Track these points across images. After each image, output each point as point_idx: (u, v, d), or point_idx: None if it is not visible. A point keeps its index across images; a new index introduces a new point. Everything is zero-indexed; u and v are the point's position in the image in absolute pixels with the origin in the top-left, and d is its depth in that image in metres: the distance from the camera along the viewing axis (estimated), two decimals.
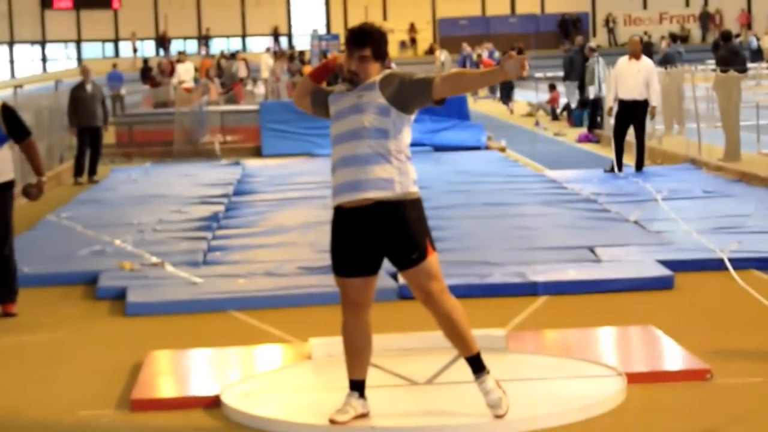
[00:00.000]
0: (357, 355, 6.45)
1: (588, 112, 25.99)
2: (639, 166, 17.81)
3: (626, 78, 17.66)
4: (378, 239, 6.29)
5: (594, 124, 25.01)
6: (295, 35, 57.96)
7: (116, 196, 17.49)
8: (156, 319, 9.46)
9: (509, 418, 6.30)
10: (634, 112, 17.59)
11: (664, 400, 6.74)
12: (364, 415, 6.41)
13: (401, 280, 9.73)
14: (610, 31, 57.08)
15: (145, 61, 44.52)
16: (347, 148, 6.32)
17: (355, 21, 56.69)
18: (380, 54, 6.40)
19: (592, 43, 27.78)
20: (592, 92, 25.61)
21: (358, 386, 6.45)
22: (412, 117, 6.40)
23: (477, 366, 6.41)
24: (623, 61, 17.97)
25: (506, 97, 36.24)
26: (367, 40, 6.36)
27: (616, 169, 17.62)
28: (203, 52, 50.89)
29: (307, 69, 41.31)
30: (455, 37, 53.43)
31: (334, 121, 6.43)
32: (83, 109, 20.47)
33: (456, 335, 6.40)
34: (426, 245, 6.29)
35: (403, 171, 6.30)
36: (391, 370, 7.21)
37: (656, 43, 50.63)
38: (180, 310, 9.63)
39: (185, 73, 36.17)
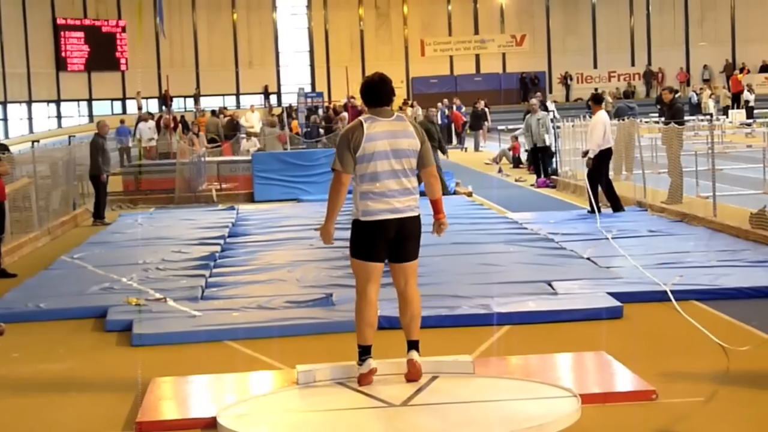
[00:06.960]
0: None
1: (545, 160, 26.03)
2: (617, 207, 17.71)
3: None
4: None
5: (539, 172, 25.08)
6: (283, 93, 57.96)
7: (123, 238, 17.41)
8: (159, 348, 9.41)
9: None
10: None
11: (615, 419, 6.73)
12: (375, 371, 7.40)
13: (380, 311, 9.73)
14: (567, 88, 57.37)
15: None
16: None
17: (336, 80, 56.24)
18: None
19: (535, 100, 27.63)
20: (527, 143, 25.92)
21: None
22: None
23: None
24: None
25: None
26: None
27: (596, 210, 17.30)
28: (197, 109, 50.79)
29: (294, 123, 41.24)
30: (427, 94, 53.68)
31: None
32: (105, 158, 20.49)
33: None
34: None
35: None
36: (370, 394, 7.21)
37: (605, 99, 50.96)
38: (180, 340, 9.58)
39: (148, 131, 36.78)
